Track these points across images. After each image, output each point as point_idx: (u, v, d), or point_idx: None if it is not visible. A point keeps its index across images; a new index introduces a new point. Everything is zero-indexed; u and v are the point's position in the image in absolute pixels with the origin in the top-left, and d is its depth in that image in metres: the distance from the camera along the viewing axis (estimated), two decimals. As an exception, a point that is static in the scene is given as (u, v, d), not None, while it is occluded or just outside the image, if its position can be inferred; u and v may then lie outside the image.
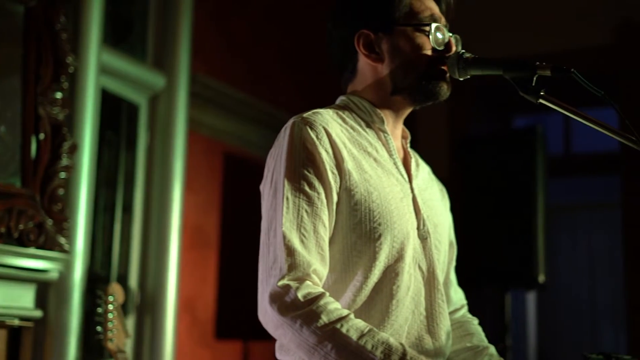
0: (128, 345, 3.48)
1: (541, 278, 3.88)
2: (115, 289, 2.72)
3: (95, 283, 3.22)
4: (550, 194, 4.16)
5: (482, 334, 1.99)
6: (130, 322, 3.53)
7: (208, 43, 4.17)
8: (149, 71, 3.64)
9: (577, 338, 6.76)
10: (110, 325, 2.67)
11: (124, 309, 3.45)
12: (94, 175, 3.24)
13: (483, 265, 4.12)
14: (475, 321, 2.03)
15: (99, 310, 2.68)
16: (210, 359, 4.14)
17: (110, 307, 2.69)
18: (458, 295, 2.05)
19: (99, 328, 2.67)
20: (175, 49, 3.70)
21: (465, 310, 2.06)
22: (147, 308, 3.56)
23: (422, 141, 5.42)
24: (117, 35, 3.60)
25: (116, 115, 3.63)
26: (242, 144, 4.43)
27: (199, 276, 4.08)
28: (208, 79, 4.07)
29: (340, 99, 1.92)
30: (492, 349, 1.94)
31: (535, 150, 4.00)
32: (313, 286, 1.61)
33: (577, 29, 5.21)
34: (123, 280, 3.56)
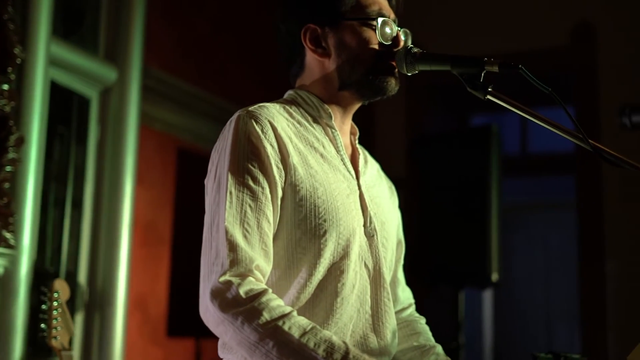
0: (76, 344, 3.42)
1: (494, 277, 3.89)
2: (60, 285, 2.66)
3: (44, 279, 3.15)
4: (507, 194, 4.18)
5: (429, 333, 1.98)
6: (79, 320, 3.46)
7: (161, 36, 4.11)
8: (101, 64, 3.57)
9: (532, 337, 6.80)
10: (54, 322, 2.61)
11: (71, 305, 3.40)
12: (43, 170, 3.17)
13: (437, 264, 4.13)
14: (423, 320, 2.02)
15: (44, 307, 2.62)
16: (162, 357, 4.08)
17: (56, 303, 2.63)
18: (405, 294, 2.04)
19: (43, 325, 2.61)
20: (128, 42, 3.63)
21: (412, 309, 2.05)
22: (96, 305, 3.49)
23: (379, 139, 5.45)
24: (68, 27, 3.53)
25: (67, 109, 3.55)
26: (196, 140, 4.38)
27: (151, 273, 4.02)
28: (161, 73, 4.01)
29: (288, 94, 1.90)
30: (438, 348, 1.92)
31: (490, 149, 4.01)
32: (255, 282, 1.58)
33: (534, 31, 5.23)
34: (72, 276, 3.49)
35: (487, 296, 6.71)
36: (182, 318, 4.16)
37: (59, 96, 3.43)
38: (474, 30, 5.10)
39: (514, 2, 5.32)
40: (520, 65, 1.69)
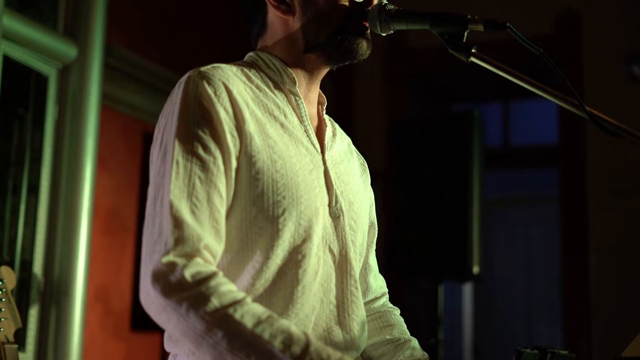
0: (30, 337, 3.20)
1: (476, 269, 3.71)
2: (5, 272, 2.44)
3: (-3, 269, 2.93)
4: (488, 187, 4.00)
5: (404, 326, 1.78)
6: (34, 312, 3.24)
7: (125, 12, 3.90)
8: (60, 40, 3.34)
9: (512, 332, 6.70)
10: (-2, 313, 2.39)
11: (26, 296, 3.19)
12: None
13: (416, 256, 3.94)
14: (397, 311, 1.82)
15: (-14, 296, 2.40)
16: (126, 352, 3.87)
17: None
18: (378, 283, 1.83)
19: (-15, 316, 2.39)
20: (89, 17, 3.40)
21: (385, 299, 1.85)
22: (52, 296, 3.27)
23: (358, 125, 5.28)
24: (24, 0, 3.31)
25: (23, 87, 3.33)
26: (164, 124, 4.17)
27: (113, 263, 3.80)
28: (126, 51, 3.79)
29: (248, 56, 1.70)
30: (414, 342, 1.73)
31: (471, 135, 3.83)
32: (204, 264, 1.38)
33: (517, 19, 5.06)
34: (28, 266, 3.27)
35: (467, 290, 6.57)
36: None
37: (14, 73, 3.20)
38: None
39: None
40: (508, 24, 1.51)
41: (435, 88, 5.78)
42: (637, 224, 4.74)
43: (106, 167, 3.66)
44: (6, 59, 3.12)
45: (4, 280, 2.43)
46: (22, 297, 3.21)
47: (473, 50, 1.55)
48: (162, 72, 4.05)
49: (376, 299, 1.83)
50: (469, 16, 1.54)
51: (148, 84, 3.99)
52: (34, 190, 3.34)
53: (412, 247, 3.90)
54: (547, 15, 5.04)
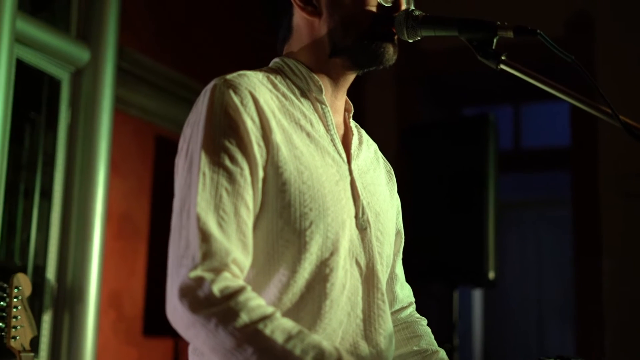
0: (44, 344, 3.18)
1: (491, 275, 3.68)
2: (21, 279, 2.41)
3: (10, 274, 2.91)
4: (499, 190, 3.96)
5: (431, 336, 1.75)
6: (47, 318, 3.22)
7: (138, 15, 3.87)
8: (73, 43, 3.32)
9: (523, 336, 6.66)
10: (14, 321, 2.36)
11: (39, 303, 3.16)
12: (8, 156, 2.91)
13: (431, 261, 3.90)
14: (424, 322, 1.79)
15: (2, 304, 2.37)
16: (138, 357, 3.84)
17: (16, 300, 2.38)
18: (405, 292, 1.80)
19: (1, 324, 2.36)
20: (102, 20, 3.38)
21: (412, 309, 1.81)
22: (66, 302, 3.24)
23: (369, 129, 5.24)
24: (36, 3, 3.29)
25: (36, 91, 3.32)
26: (176, 127, 4.13)
27: (126, 268, 3.77)
28: (138, 55, 3.76)
29: (274, 62, 1.66)
30: (442, 354, 1.70)
31: (487, 139, 3.79)
32: (232, 278, 1.34)
33: (529, 21, 5.04)
34: (41, 271, 3.25)
35: (477, 294, 6.53)
36: (159, 316, 3.89)
37: (27, 77, 3.19)
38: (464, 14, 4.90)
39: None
40: (538, 31, 1.47)
41: (446, 90, 5.75)
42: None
43: (118, 170, 3.64)
44: (19, 62, 3.10)
45: (20, 288, 2.41)
46: (34, 303, 3.18)
47: (503, 57, 1.51)
48: (174, 75, 4.02)
49: (403, 308, 1.80)
50: (498, 22, 1.51)
51: (160, 87, 3.96)
52: (46, 194, 3.32)
53: (426, 252, 3.86)
54: (558, 17, 5.00)
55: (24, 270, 3.19)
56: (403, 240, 1.81)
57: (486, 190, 3.76)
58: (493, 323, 6.56)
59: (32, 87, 3.28)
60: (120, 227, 3.74)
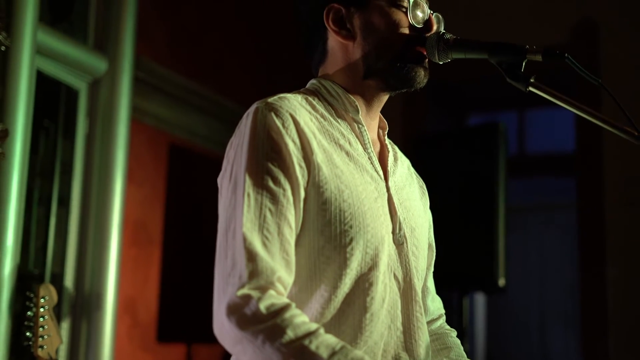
0: (62, 351, 3.22)
1: (501, 282, 3.72)
2: (48, 289, 2.46)
3: (28, 282, 2.94)
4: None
5: (461, 348, 1.80)
6: (65, 326, 3.25)
7: (154, 26, 3.91)
8: (90, 54, 3.36)
9: (526, 342, 6.68)
10: (41, 330, 2.41)
11: (57, 310, 3.20)
12: (28, 165, 2.95)
13: (442, 268, 3.93)
14: (454, 333, 1.84)
15: (29, 313, 2.41)
16: (151, 363, 3.88)
17: (42, 310, 2.43)
18: (436, 304, 1.85)
19: (28, 333, 2.40)
20: (119, 31, 3.42)
21: (442, 320, 1.87)
22: (83, 310, 3.28)
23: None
24: (56, 14, 3.32)
25: (54, 101, 3.35)
26: (189, 136, 4.18)
27: (140, 275, 3.82)
28: (153, 64, 3.81)
29: (311, 83, 1.70)
30: (471, 365, 1.75)
31: (497, 148, 3.82)
32: (277, 296, 1.39)
33: (535, 27, 5.11)
34: (58, 279, 3.29)
35: (481, 299, 6.56)
36: (173, 322, 3.97)
37: (45, 87, 3.22)
38: (473, 25, 4.95)
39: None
40: (566, 54, 1.52)
41: (451, 98, 5.79)
42: (655, 235, 4.74)
43: (133, 178, 3.68)
44: (38, 73, 3.13)
45: (47, 298, 2.45)
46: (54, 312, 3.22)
47: (532, 80, 1.56)
48: (189, 84, 4.07)
49: (433, 320, 1.85)
50: (527, 46, 1.56)
51: (174, 96, 4.01)
52: (63, 202, 3.36)
53: (437, 260, 3.89)
54: (564, 24, 5.04)
55: (41, 278, 3.23)
56: (435, 254, 1.86)
57: (496, 198, 3.80)
58: (496, 328, 6.59)
59: (47, 96, 3.32)
60: (135, 234, 3.78)
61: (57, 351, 2.45)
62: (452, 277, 3.93)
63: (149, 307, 3.86)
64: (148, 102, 3.84)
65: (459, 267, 3.89)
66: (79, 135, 3.39)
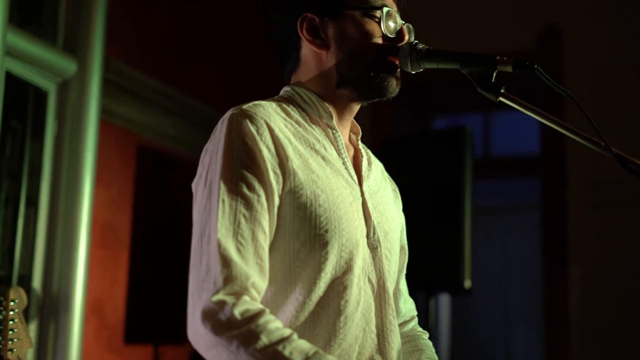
0: (29, 353, 3.20)
1: (467, 284, 3.76)
2: (19, 292, 2.45)
3: (-3, 285, 2.94)
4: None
5: (433, 350, 1.84)
6: (33, 327, 3.24)
7: (124, 28, 3.91)
8: (60, 55, 3.35)
9: (489, 341, 6.73)
10: (11, 333, 2.40)
11: (26, 313, 3.19)
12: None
13: (407, 269, 3.97)
14: (426, 335, 1.88)
15: (-1, 316, 2.41)
16: (119, 365, 3.88)
17: (12, 313, 2.42)
18: (408, 306, 1.89)
19: (-2, 337, 2.40)
20: (89, 33, 3.41)
21: (415, 322, 1.90)
22: (51, 312, 3.27)
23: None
24: (25, 15, 3.31)
25: (23, 102, 3.33)
26: (158, 137, 4.18)
27: (108, 277, 3.81)
28: (123, 66, 3.80)
29: (284, 90, 1.73)
30: (442, 367, 1.79)
31: (463, 151, 3.87)
32: (251, 302, 1.42)
33: (502, 32, 5.18)
34: (26, 281, 3.27)
35: (445, 300, 6.61)
36: (140, 324, 3.97)
37: (14, 88, 3.21)
38: (440, 29, 5.00)
39: (481, 1, 5.25)
40: (536, 65, 1.56)
41: (417, 100, 5.83)
42: (617, 236, 4.82)
43: (101, 180, 3.67)
44: (6, 74, 3.12)
45: (17, 301, 2.44)
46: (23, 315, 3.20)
47: (502, 90, 1.60)
48: (158, 86, 4.07)
49: (406, 322, 1.88)
50: (498, 57, 1.60)
51: (143, 98, 4.01)
52: (31, 204, 3.34)
53: (404, 261, 3.93)
54: (530, 30, 5.12)
55: (8, 279, 3.21)
56: (407, 257, 1.89)
57: (463, 201, 3.84)
58: (460, 328, 6.63)
59: (15, 97, 3.30)
60: (103, 236, 3.77)
61: (26, 354, 2.45)
62: (418, 278, 3.96)
63: (117, 308, 3.86)
64: (117, 103, 3.83)
65: (426, 269, 3.92)
66: (48, 137, 3.38)
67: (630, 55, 4.91)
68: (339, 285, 1.54)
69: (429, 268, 3.92)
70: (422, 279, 3.96)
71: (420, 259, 3.89)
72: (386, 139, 4.61)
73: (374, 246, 1.63)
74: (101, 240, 3.75)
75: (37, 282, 3.30)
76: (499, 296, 6.75)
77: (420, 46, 1.65)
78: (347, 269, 1.55)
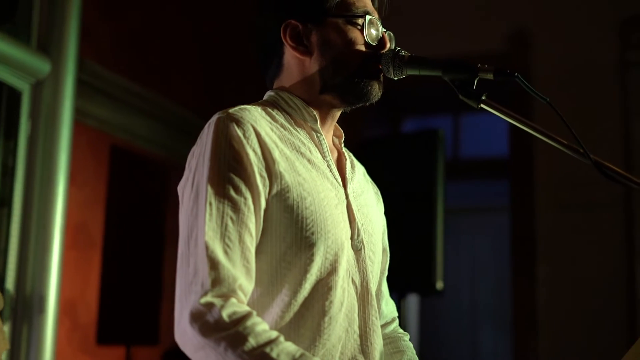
0: (2, 355, 3.19)
1: (439, 285, 3.80)
2: (-6, 294, 2.45)
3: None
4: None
5: (413, 352, 1.87)
6: (6, 329, 3.22)
7: (98, 29, 3.90)
8: (34, 55, 3.34)
9: (457, 342, 6.78)
10: (-13, 334, 2.40)
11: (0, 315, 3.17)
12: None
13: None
14: (407, 337, 1.90)
15: (-25, 318, 2.40)
16: (91, 366, 3.87)
17: (-12, 314, 2.42)
18: (389, 308, 1.92)
19: (-26, 338, 2.39)
20: (63, 33, 3.41)
21: (395, 324, 1.93)
22: (25, 313, 3.26)
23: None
24: (-1, 15, 3.29)
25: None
26: (131, 138, 4.18)
27: (81, 277, 3.80)
28: (97, 66, 3.80)
29: (268, 95, 1.75)
30: (423, 368, 1.82)
31: (435, 153, 3.91)
32: (238, 304, 1.43)
33: (472, 35, 5.23)
34: (-1, 282, 3.26)
35: (413, 301, 6.65)
36: (112, 325, 3.96)
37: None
38: (411, 31, 5.05)
39: (451, 3, 5.30)
40: (516, 73, 1.59)
41: (386, 102, 5.86)
42: (584, 237, 4.90)
43: (74, 180, 3.66)
44: (-19, 74, 3.11)
45: (-7, 303, 2.44)
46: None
47: (483, 97, 1.62)
48: (131, 86, 4.07)
49: (387, 324, 1.91)
50: (479, 65, 1.62)
51: (116, 98, 4.00)
52: (5, 204, 3.33)
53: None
54: (500, 32, 5.18)
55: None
56: (388, 258, 1.92)
57: (435, 203, 3.88)
58: (428, 329, 6.67)
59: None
60: (76, 236, 3.76)
61: (1, 356, 2.44)
62: (390, 280, 4.00)
63: (89, 309, 3.85)
64: (90, 104, 3.83)
65: (398, 270, 3.93)
66: (21, 137, 3.36)
67: (596, 59, 4.99)
68: (323, 287, 1.56)
69: (401, 269, 3.92)
70: (394, 280, 3.97)
71: (392, 260, 3.95)
72: (358, 142, 4.63)
73: (357, 248, 1.66)
74: (74, 241, 3.74)
75: (10, 283, 3.28)
76: (467, 297, 6.80)
77: (403, 53, 1.68)
78: (331, 270, 1.57)
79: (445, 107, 6.39)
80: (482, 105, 1.63)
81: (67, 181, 3.39)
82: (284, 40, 1.70)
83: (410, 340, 1.93)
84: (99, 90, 3.86)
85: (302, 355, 1.41)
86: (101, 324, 3.90)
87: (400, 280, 3.97)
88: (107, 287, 3.93)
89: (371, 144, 4.49)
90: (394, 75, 1.69)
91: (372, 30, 1.70)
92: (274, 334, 1.43)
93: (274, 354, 1.39)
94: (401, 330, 1.93)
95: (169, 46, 4.52)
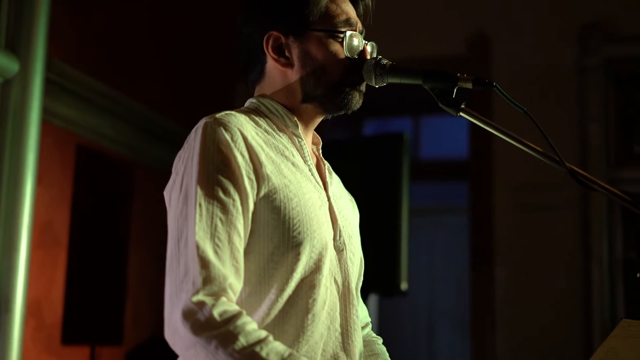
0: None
1: (404, 286, 3.86)
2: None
3: None
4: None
5: (387, 355, 1.93)
6: (-28, 328, 3.21)
7: (66, 28, 3.89)
8: (1, 54, 3.31)
9: (414, 343, 6.84)
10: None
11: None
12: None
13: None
14: (380, 340, 1.96)
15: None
16: (55, 366, 3.86)
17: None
18: (363, 312, 1.97)
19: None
20: (31, 32, 3.39)
21: (369, 328, 1.99)
22: (-9, 313, 3.25)
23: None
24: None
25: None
26: (97, 138, 4.17)
27: (46, 277, 3.79)
28: (64, 66, 3.79)
29: (250, 102, 1.80)
30: (397, 371, 1.87)
31: (400, 156, 3.97)
32: (229, 303, 1.47)
33: (432, 38, 5.30)
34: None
35: (373, 302, 6.70)
36: (77, 325, 3.95)
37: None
38: (370, 32, 5.11)
39: (412, 7, 5.36)
40: (494, 83, 1.65)
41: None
42: (542, 238, 5.00)
43: (40, 180, 3.64)
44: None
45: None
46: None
47: (462, 106, 1.68)
48: (98, 86, 4.06)
49: (362, 328, 1.95)
50: (459, 74, 1.68)
51: (83, 98, 3.99)
52: (-29, 204, 3.31)
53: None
54: (460, 37, 5.26)
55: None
56: (363, 265, 1.97)
57: (399, 205, 3.93)
58: (386, 330, 6.73)
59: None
60: (41, 236, 3.75)
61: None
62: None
63: (54, 309, 3.84)
64: (57, 103, 3.82)
65: (364, 271, 4.00)
66: (-11, 136, 3.34)
67: (555, 63, 5.10)
68: (307, 285, 1.61)
69: (365, 270, 3.99)
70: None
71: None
72: (324, 144, 4.67)
73: (339, 248, 1.71)
74: (39, 241, 3.72)
75: (-24, 283, 3.26)
76: (426, 298, 6.88)
77: (384, 62, 1.73)
78: (315, 269, 1.62)
79: (406, 110, 6.47)
80: (461, 114, 1.68)
81: (35, 181, 3.38)
82: (266, 50, 1.74)
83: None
84: (66, 90, 3.85)
85: (290, 354, 1.45)
86: (66, 324, 3.89)
87: (365, 280, 4.02)
88: (72, 286, 3.92)
89: (334, 147, 4.52)
90: (375, 83, 1.74)
91: (353, 43, 1.74)
92: (263, 333, 1.47)
93: (263, 353, 1.43)
94: (374, 334, 1.99)
95: (136, 47, 4.52)
